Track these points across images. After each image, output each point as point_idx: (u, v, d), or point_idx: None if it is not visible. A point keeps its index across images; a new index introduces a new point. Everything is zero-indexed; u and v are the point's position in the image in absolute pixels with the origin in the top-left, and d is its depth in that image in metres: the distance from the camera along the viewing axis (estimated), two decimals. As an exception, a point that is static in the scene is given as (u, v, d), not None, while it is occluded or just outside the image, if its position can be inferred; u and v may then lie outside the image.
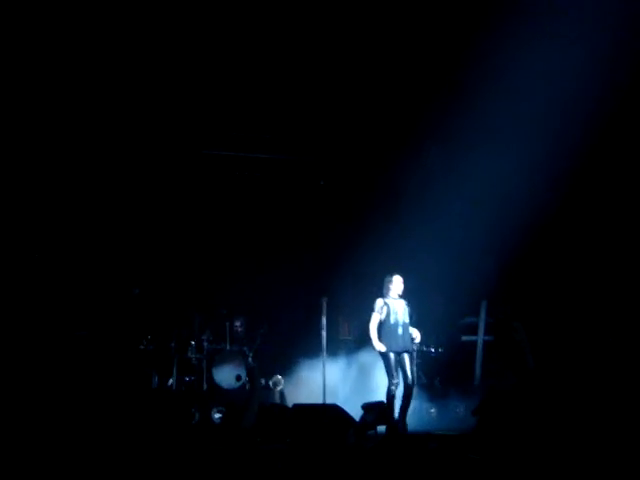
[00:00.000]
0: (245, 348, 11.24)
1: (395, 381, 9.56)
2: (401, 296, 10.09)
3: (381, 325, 9.88)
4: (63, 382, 9.70)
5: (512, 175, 11.42)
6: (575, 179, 11.41)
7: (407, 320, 10.00)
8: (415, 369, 10.73)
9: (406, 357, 9.82)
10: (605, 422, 8.48)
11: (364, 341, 11.14)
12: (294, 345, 11.71)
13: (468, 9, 10.53)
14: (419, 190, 12.55)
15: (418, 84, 11.51)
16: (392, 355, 9.67)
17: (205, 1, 10.00)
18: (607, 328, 10.98)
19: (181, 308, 11.39)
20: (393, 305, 9.97)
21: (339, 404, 9.07)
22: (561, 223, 11.67)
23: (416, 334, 10.02)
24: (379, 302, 9.98)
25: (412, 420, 9.72)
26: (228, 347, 11.14)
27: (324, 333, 10.67)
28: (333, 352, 11.24)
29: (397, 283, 10.08)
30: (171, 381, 10.86)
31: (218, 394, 10.71)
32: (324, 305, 10.77)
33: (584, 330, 11.13)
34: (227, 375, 10.84)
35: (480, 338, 11.53)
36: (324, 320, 10.68)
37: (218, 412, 10.06)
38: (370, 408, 9.12)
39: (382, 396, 9.65)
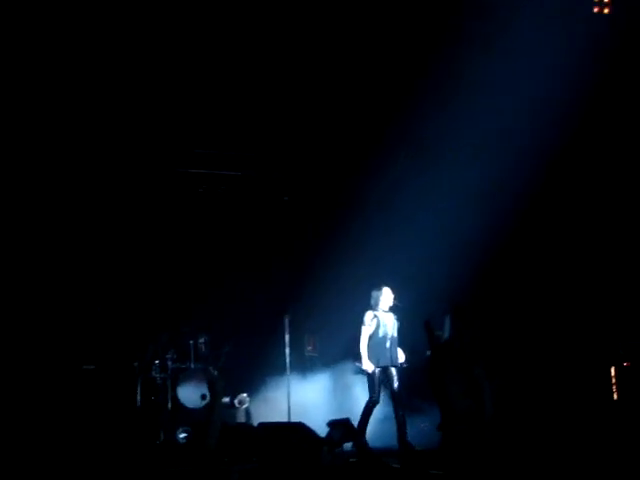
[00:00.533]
0: (210, 367, 11.18)
1: (374, 397, 9.39)
2: (391, 309, 9.88)
3: (369, 338, 9.69)
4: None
5: (479, 186, 11.55)
6: (542, 187, 11.57)
7: (395, 334, 9.79)
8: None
9: (393, 372, 9.62)
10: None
11: (331, 356, 11.15)
12: (259, 363, 11.66)
13: (435, 15, 10.67)
14: (383, 205, 12.62)
15: (381, 98, 11.60)
16: (377, 371, 9.49)
17: (168, 22, 10.01)
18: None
19: (144, 327, 11.29)
20: (382, 318, 9.74)
21: (305, 422, 9.04)
22: (526, 240, 11.79)
23: (401, 355, 9.83)
24: (369, 315, 9.78)
25: (376, 436, 9.68)
26: (192, 366, 11.07)
27: (287, 350, 10.64)
28: (299, 369, 11.21)
29: (387, 295, 9.85)
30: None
31: (183, 413, 10.63)
32: (286, 323, 10.76)
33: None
34: (192, 394, 10.76)
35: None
36: (287, 337, 10.65)
37: (183, 432, 9.99)
38: (336, 425, 9.08)
39: (349, 413, 9.57)
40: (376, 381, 9.47)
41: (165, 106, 11.15)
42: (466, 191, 11.64)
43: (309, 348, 12.26)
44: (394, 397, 9.54)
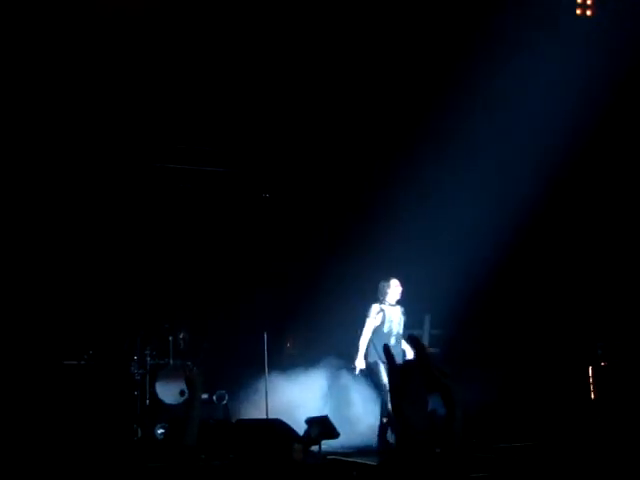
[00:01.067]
0: (189, 362, 11.14)
1: (385, 389, 8.84)
2: (399, 302, 9.45)
3: (373, 333, 9.28)
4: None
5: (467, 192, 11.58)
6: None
7: (401, 331, 9.37)
8: None
9: None
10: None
11: (316, 354, 11.08)
12: (238, 359, 11.63)
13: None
14: (366, 202, 12.61)
15: (360, 93, 11.59)
16: (382, 366, 9.03)
17: (148, 18, 9.96)
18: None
19: (123, 323, 11.23)
20: (389, 312, 9.31)
21: (286, 419, 8.94)
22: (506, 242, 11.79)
23: (409, 352, 9.27)
24: (375, 307, 9.36)
25: (355, 435, 9.62)
26: (171, 362, 11.03)
27: (265, 347, 10.58)
28: (278, 366, 11.18)
29: (395, 287, 9.39)
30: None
31: (161, 410, 10.59)
32: (266, 321, 10.70)
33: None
34: (170, 390, 10.71)
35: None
36: (265, 335, 10.60)
37: (161, 428, 9.95)
38: (314, 422, 9.06)
39: (328, 410, 9.44)
40: (381, 375, 9.03)
41: (145, 101, 11.10)
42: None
43: (288, 346, 12.24)
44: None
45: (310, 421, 9.12)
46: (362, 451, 9.16)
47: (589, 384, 10.58)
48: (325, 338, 11.32)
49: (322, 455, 8.65)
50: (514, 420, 10.00)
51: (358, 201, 12.59)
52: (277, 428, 8.46)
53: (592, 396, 10.53)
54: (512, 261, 11.82)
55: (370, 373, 9.32)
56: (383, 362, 9.06)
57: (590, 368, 10.64)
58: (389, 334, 9.27)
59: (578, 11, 10.28)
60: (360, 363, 9.29)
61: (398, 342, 9.29)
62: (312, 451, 8.69)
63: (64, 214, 11.38)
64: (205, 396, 10.84)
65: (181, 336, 11.30)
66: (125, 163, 11.71)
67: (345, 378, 10.76)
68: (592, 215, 11.67)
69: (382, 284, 9.44)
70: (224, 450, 8.42)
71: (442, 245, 11.55)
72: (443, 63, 11.16)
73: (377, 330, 9.29)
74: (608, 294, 11.28)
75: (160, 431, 9.94)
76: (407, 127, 11.89)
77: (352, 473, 6.98)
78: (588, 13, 10.20)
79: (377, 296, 9.50)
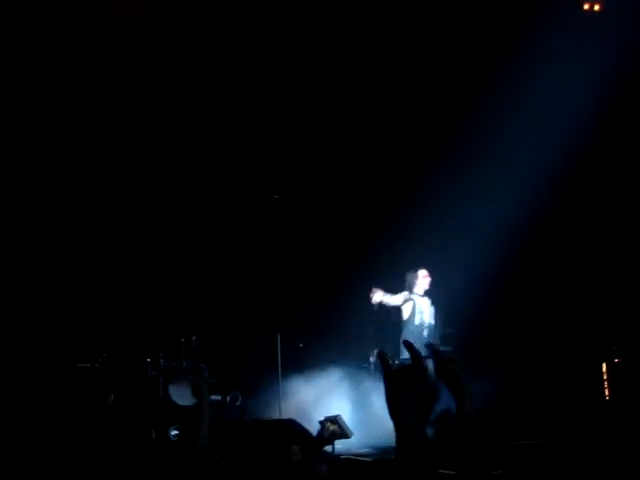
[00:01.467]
0: (202, 364, 11.15)
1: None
2: (427, 293, 9.07)
3: (404, 327, 8.82)
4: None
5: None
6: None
7: (433, 322, 8.99)
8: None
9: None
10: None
11: (325, 353, 11.04)
12: (252, 359, 11.64)
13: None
14: (377, 201, 12.59)
15: (369, 95, 11.59)
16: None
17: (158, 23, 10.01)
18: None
19: (137, 325, 11.27)
20: (419, 303, 8.93)
21: (302, 419, 8.90)
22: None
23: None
24: (404, 294, 8.91)
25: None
26: (184, 363, 11.04)
27: (279, 347, 10.58)
28: (292, 366, 11.15)
29: (423, 278, 9.07)
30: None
31: (174, 411, 10.61)
32: (279, 319, 10.68)
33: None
34: (183, 392, 10.73)
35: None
36: (279, 335, 10.58)
37: (175, 429, 9.98)
38: (326, 423, 9.01)
39: (345, 410, 9.23)
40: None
41: (157, 103, 11.14)
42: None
43: (301, 346, 12.23)
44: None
45: (323, 421, 9.10)
46: (381, 451, 9.06)
47: (603, 381, 10.52)
48: (339, 338, 11.29)
49: (335, 455, 8.62)
50: (527, 418, 9.95)
51: (369, 200, 12.57)
52: (285, 428, 8.42)
53: (606, 393, 10.48)
54: (524, 259, 11.78)
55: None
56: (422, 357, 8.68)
57: (604, 365, 10.59)
58: (421, 326, 8.87)
59: (586, 6, 10.20)
60: (379, 296, 8.64)
61: (430, 335, 8.89)
62: (325, 451, 8.68)
63: (79, 218, 11.45)
64: (218, 397, 10.87)
65: (194, 337, 11.32)
66: (138, 168, 11.74)
67: (362, 377, 10.74)
68: (606, 212, 11.60)
69: (410, 274, 9.10)
70: (236, 451, 8.42)
71: (454, 244, 11.51)
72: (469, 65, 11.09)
73: (409, 321, 8.85)
74: (621, 290, 11.21)
75: (174, 432, 9.96)
76: (414, 127, 11.86)
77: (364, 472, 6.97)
78: (596, 8, 10.12)
79: (404, 287, 9.13)
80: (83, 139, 11.21)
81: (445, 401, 3.38)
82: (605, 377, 10.53)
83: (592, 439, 8.77)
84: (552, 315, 11.48)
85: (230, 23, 10.42)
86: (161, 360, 10.85)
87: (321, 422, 9.10)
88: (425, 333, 8.76)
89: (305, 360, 11.83)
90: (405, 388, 2.99)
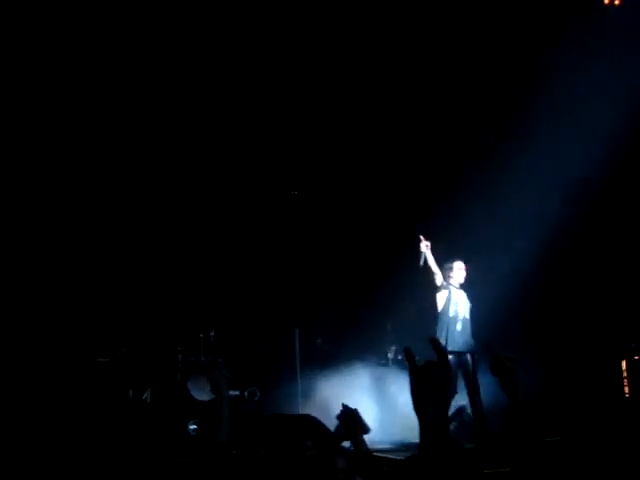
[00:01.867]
0: (220, 359, 11.17)
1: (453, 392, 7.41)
2: (462, 286, 8.67)
3: (437, 318, 8.42)
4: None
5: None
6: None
7: (468, 316, 8.50)
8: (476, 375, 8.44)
9: (468, 359, 8.24)
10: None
11: (343, 350, 11.00)
12: (270, 354, 11.65)
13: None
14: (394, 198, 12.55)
15: (382, 92, 11.53)
16: (450, 357, 7.75)
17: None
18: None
19: (156, 320, 11.31)
20: (455, 295, 8.48)
21: (319, 415, 8.81)
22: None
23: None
24: (443, 282, 8.49)
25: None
26: (203, 358, 11.07)
27: (297, 343, 10.58)
28: (310, 361, 11.15)
29: (459, 270, 8.69)
30: (146, 394, 10.78)
31: (193, 406, 10.64)
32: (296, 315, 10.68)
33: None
34: (202, 387, 10.75)
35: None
36: (297, 330, 10.58)
37: (193, 424, 10.02)
38: (343, 418, 8.94)
39: (367, 407, 8.80)
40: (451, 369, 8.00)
41: (175, 101, 11.17)
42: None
43: (319, 341, 12.23)
44: (470, 387, 8.17)
45: (340, 417, 9.04)
46: (400, 446, 9.03)
47: (623, 378, 10.47)
48: (357, 334, 11.27)
49: (352, 451, 8.58)
50: (546, 415, 9.90)
51: (391, 197, 12.54)
52: (300, 424, 8.35)
53: (626, 391, 10.42)
54: (548, 257, 11.70)
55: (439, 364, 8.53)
56: (450, 352, 8.00)
57: (624, 362, 10.53)
58: (455, 318, 8.39)
59: (606, 0, 10.10)
60: (427, 247, 8.31)
61: (465, 328, 8.42)
62: (343, 447, 8.61)
63: (101, 214, 11.52)
64: (236, 393, 10.89)
65: (212, 332, 11.35)
66: (161, 165, 11.77)
67: (381, 373, 10.69)
68: (627, 213, 11.52)
69: (446, 266, 8.71)
70: (254, 446, 8.42)
71: (480, 243, 11.44)
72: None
73: (443, 313, 8.42)
74: None
75: (192, 427, 10.00)
76: (434, 126, 11.80)
77: (382, 468, 6.94)
78: (616, 2, 10.02)
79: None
80: (100, 137, 11.26)
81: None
82: (625, 374, 10.47)
83: (611, 436, 8.72)
84: (573, 312, 11.41)
85: (245, 19, 10.41)
86: (179, 355, 10.88)
87: (338, 417, 9.06)
88: (459, 327, 8.33)
89: (323, 356, 11.82)
90: (430, 384, 3.00)
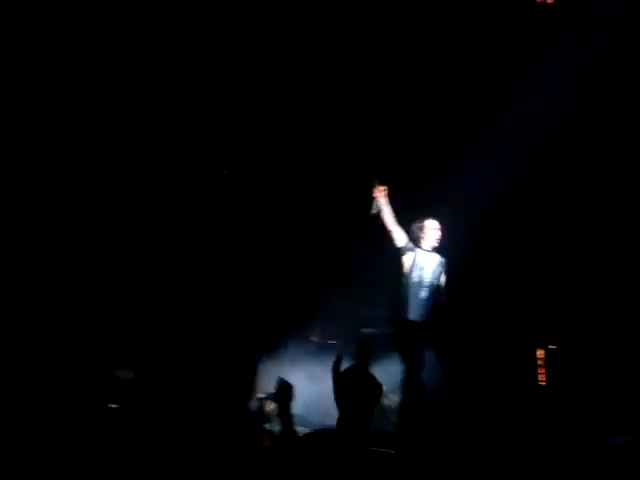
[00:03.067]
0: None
1: (413, 369, 6.99)
2: (435, 249, 7.57)
3: (402, 283, 7.43)
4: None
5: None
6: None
7: (436, 282, 7.44)
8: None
9: (437, 331, 7.23)
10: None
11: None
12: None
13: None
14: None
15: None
16: (412, 327, 7.09)
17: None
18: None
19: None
20: (421, 257, 7.41)
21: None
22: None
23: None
24: (408, 243, 7.46)
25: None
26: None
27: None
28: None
29: (431, 230, 7.56)
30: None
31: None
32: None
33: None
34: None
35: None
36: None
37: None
38: (266, 400, 8.87)
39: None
40: (412, 341, 7.07)
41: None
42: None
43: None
44: (442, 360, 7.20)
45: (262, 399, 8.95)
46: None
47: (536, 368, 10.57)
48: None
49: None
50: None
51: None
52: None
53: (541, 380, 10.53)
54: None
55: (396, 335, 7.35)
56: (414, 320, 7.27)
57: (538, 351, 10.64)
58: (419, 284, 7.36)
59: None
60: (384, 203, 7.34)
61: (432, 295, 7.39)
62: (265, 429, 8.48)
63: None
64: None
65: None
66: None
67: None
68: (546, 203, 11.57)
69: (414, 226, 7.64)
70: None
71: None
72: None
73: (407, 279, 7.41)
74: (558, 276, 11.17)
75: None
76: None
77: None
78: (549, 1, 10.11)
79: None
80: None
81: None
82: (540, 363, 10.57)
83: (525, 423, 8.89)
84: (486, 303, 11.35)
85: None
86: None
87: (260, 399, 9.01)
88: (423, 294, 7.36)
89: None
90: (352, 388, 3.08)
